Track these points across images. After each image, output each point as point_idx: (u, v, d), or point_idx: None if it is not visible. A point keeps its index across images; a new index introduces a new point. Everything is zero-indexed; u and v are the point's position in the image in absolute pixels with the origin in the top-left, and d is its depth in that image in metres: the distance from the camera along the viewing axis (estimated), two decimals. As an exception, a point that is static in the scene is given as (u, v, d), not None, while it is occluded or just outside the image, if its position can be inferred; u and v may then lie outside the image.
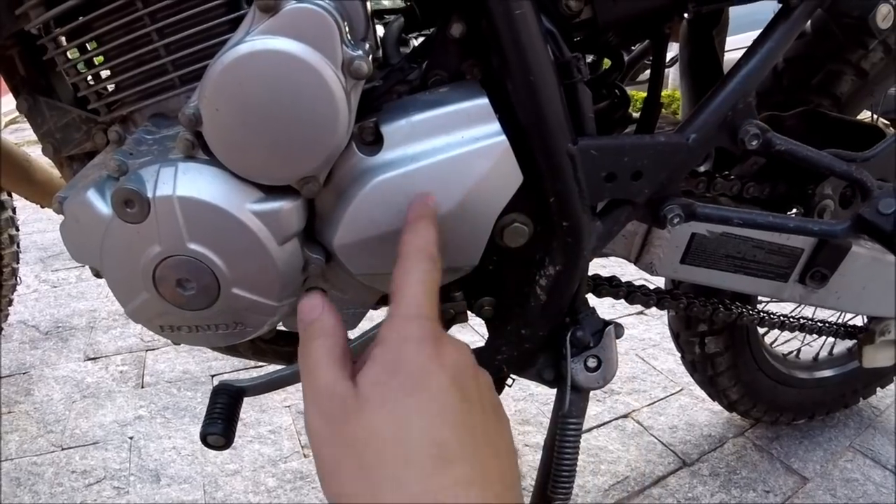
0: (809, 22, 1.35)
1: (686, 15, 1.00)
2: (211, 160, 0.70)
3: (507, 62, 0.75)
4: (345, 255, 0.77)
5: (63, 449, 1.98)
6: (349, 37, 0.68)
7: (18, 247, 2.25)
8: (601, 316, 0.95)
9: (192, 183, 0.69)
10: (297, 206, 0.73)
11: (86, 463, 1.91)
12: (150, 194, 0.68)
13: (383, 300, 0.94)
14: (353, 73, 0.67)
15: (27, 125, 0.91)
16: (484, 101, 0.75)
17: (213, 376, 2.35)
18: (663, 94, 6.42)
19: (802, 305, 1.61)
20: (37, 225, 3.90)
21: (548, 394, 2.14)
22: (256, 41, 0.64)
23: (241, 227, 0.71)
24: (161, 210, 0.69)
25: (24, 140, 6.64)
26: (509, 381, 1.02)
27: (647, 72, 1.22)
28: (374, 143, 0.75)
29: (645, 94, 1.18)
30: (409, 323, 0.58)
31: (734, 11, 1.27)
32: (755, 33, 0.91)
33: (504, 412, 0.62)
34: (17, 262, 2.27)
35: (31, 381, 2.35)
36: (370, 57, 0.69)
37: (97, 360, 2.48)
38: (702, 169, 1.19)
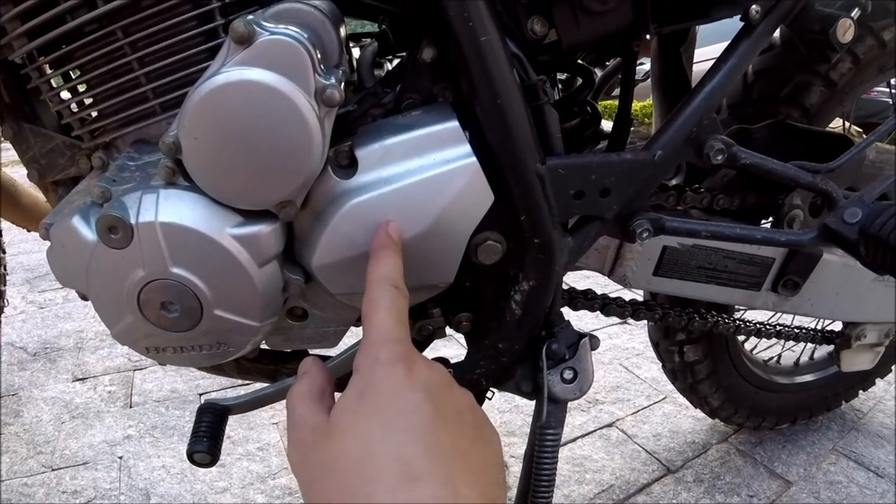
0: (778, 35, 1.38)
1: (648, 36, 1.02)
2: (191, 186, 0.73)
3: (475, 87, 0.78)
4: (323, 275, 0.79)
5: (53, 469, 1.97)
6: (321, 65, 0.70)
7: (5, 269, 2.25)
8: (586, 324, 0.97)
9: (174, 209, 0.72)
10: (276, 229, 0.76)
11: (76, 483, 1.91)
12: (133, 220, 0.71)
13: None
14: (326, 101, 0.69)
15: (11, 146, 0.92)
16: (454, 124, 0.77)
17: (200, 395, 2.35)
18: (643, 104, 6.43)
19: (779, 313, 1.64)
20: (23, 246, 3.89)
21: (532, 406, 2.15)
22: (232, 72, 0.66)
23: (222, 251, 0.73)
24: (144, 235, 0.71)
25: (9, 161, 6.61)
26: (489, 395, 1.04)
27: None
28: (349, 166, 0.77)
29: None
30: (379, 347, 0.59)
31: (702, 25, 1.30)
32: (724, 45, 0.93)
33: (490, 429, 0.62)
34: (4, 285, 2.26)
35: (20, 402, 2.34)
36: (342, 84, 0.71)
37: (85, 381, 2.47)
38: (672, 182, 1.21)
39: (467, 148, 0.77)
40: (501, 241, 0.86)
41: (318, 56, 0.70)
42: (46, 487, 1.90)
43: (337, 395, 0.61)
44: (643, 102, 6.44)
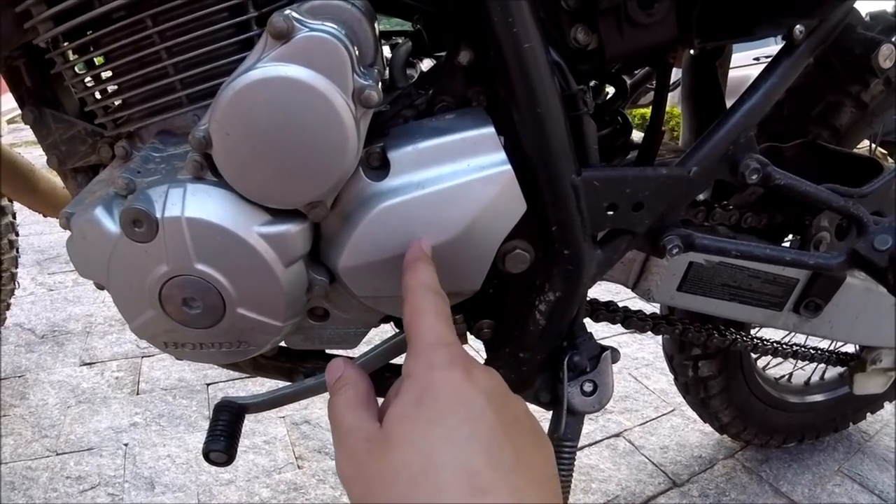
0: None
1: (692, 51, 1.01)
2: (219, 182, 0.71)
3: (514, 93, 0.76)
4: (349, 277, 0.78)
5: (58, 454, 1.97)
6: (360, 65, 0.69)
7: (18, 251, 2.25)
8: (594, 332, 0.96)
9: (201, 204, 0.70)
10: (304, 229, 0.74)
11: (80, 469, 1.91)
12: (158, 214, 0.69)
13: (385, 319, 0.95)
14: (364, 102, 0.68)
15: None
16: (490, 129, 0.76)
17: (208, 385, 2.35)
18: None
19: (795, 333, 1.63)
20: (34, 227, 3.88)
21: (544, 414, 2.14)
22: (268, 67, 0.65)
23: (248, 249, 0.72)
24: (169, 230, 0.70)
25: (22, 140, 6.62)
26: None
27: (648, 95, 1.23)
28: (380, 168, 0.76)
29: (642, 111, 1.19)
30: (433, 351, 0.57)
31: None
32: (753, 52, 0.92)
33: (545, 437, 0.59)
34: (16, 267, 2.26)
35: (26, 384, 2.34)
36: (380, 84, 0.70)
37: (93, 366, 2.47)
38: (701, 198, 1.20)
39: (502, 155, 0.75)
40: (530, 251, 0.85)
41: (357, 54, 0.68)
42: (50, 472, 1.90)
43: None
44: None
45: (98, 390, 2.31)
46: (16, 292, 2.37)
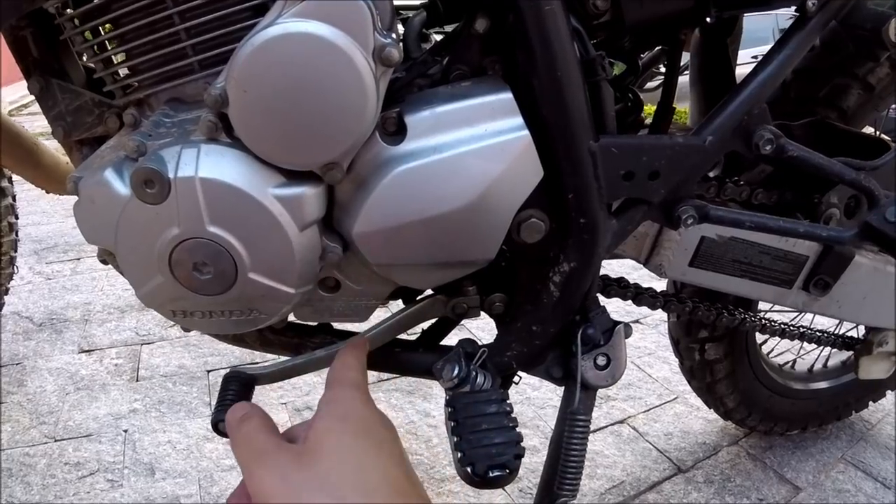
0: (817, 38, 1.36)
1: (708, 19, 1.00)
2: (234, 143, 0.70)
3: (533, 58, 0.76)
4: (363, 244, 0.77)
5: (56, 440, 1.96)
6: (380, 25, 0.68)
7: (17, 235, 2.23)
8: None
9: (215, 165, 0.69)
10: (319, 192, 0.73)
11: (79, 455, 1.89)
12: (171, 175, 0.68)
13: (395, 294, 0.94)
14: (384, 61, 0.67)
15: (27, 117, 0.90)
16: (508, 95, 0.75)
17: (208, 371, 2.33)
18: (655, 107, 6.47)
19: (801, 315, 1.62)
20: (32, 217, 3.85)
21: (543, 398, 2.14)
22: (288, 24, 0.64)
23: (263, 211, 0.71)
24: (182, 191, 0.69)
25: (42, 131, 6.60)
26: (516, 379, 1.02)
27: (654, 80, 1.23)
28: (396, 133, 0.75)
29: (650, 105, 1.19)
30: (354, 389, 0.66)
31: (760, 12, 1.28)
32: (757, 49, 0.92)
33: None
34: (16, 251, 2.24)
35: (24, 372, 2.32)
36: (400, 45, 0.69)
37: (91, 353, 2.45)
38: (712, 174, 1.19)
39: (520, 120, 0.75)
40: (545, 220, 0.84)
41: (378, 14, 0.67)
42: (48, 458, 1.88)
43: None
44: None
45: (97, 377, 2.29)
46: (13, 280, 2.35)
